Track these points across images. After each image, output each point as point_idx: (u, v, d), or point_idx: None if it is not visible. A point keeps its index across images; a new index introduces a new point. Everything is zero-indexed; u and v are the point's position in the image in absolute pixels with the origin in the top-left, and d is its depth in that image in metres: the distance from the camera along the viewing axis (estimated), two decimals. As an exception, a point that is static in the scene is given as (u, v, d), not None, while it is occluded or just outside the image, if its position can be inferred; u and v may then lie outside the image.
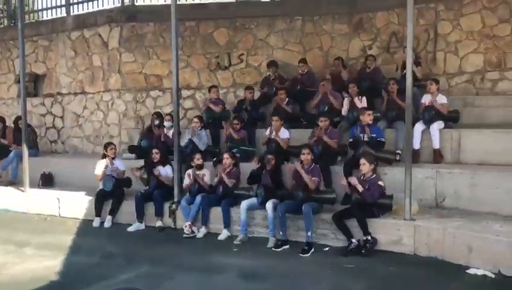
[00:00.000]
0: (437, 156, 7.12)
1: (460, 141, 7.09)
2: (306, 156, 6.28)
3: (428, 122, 7.22)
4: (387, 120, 7.64)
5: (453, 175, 6.41)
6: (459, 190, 6.33)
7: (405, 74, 7.94)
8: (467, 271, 5.06)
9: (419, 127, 7.26)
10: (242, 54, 10.04)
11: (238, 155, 7.48)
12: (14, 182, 9.63)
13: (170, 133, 8.42)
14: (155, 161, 7.66)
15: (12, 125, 10.41)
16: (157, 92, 10.28)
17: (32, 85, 11.72)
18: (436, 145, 7.14)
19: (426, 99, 7.50)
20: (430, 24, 8.98)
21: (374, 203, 5.85)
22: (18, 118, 9.89)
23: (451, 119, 7.38)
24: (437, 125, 7.18)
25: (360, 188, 5.84)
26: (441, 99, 7.39)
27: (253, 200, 6.65)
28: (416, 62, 8.25)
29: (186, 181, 7.38)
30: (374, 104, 8.28)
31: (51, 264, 5.60)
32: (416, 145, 7.22)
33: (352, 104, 7.96)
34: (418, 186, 6.55)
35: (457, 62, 8.75)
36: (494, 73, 8.40)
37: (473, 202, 6.19)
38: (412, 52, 5.76)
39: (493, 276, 4.88)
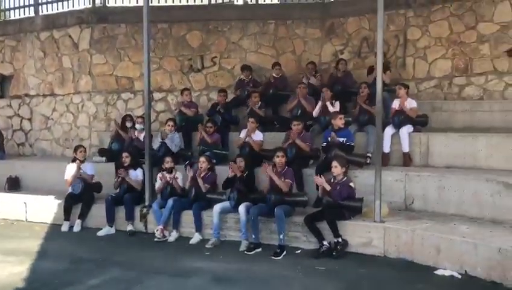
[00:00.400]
0: (406, 160, 7.25)
1: (428, 145, 7.23)
2: (280, 158, 6.31)
3: (397, 126, 7.35)
4: (359, 124, 7.73)
5: (422, 178, 6.53)
6: (427, 192, 6.46)
7: (375, 78, 8.19)
8: (435, 272, 5.17)
9: (389, 131, 7.38)
10: (215, 57, 10.02)
11: (214, 160, 7.43)
12: (-23, 186, 9.36)
13: (142, 136, 8.34)
14: (125, 164, 7.55)
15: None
16: (128, 94, 10.16)
17: (-1, 86, 11.46)
18: (406, 148, 7.27)
19: (396, 103, 7.63)
20: (400, 30, 9.16)
21: (344, 206, 5.91)
22: None
23: (420, 123, 7.53)
24: (406, 129, 7.31)
25: (327, 187, 5.90)
26: (411, 103, 7.52)
27: (226, 203, 6.63)
28: (386, 67, 8.43)
29: (158, 184, 7.32)
30: (346, 108, 8.40)
31: (16, 271, 5.45)
32: (386, 148, 7.34)
33: (324, 108, 8.03)
34: (387, 189, 6.64)
35: (426, 67, 8.94)
36: (461, 78, 8.61)
37: (440, 204, 6.33)
38: (381, 57, 5.85)
39: (460, 276, 5.00)
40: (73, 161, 7.80)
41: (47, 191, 8.49)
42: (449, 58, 8.70)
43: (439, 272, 5.15)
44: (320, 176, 6.32)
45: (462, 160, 6.92)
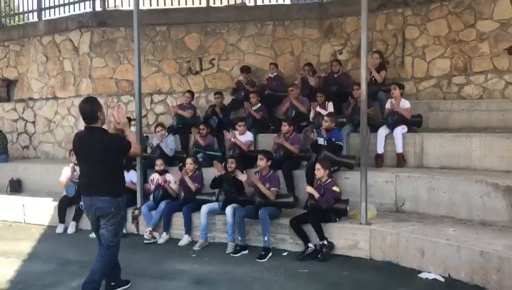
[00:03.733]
0: (400, 161, 7.17)
1: (423, 145, 7.15)
2: (259, 161, 6.31)
3: (391, 127, 7.28)
4: (353, 125, 7.68)
5: (412, 179, 6.45)
6: (417, 194, 6.38)
7: (372, 78, 8.15)
8: (419, 275, 5.11)
9: (383, 131, 7.32)
10: (213, 59, 10.08)
11: (201, 160, 7.48)
12: (-19, 188, 9.58)
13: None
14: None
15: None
16: (128, 96, 10.27)
17: (5, 90, 11.69)
18: (399, 149, 7.19)
19: (390, 104, 7.56)
20: (398, 29, 9.07)
21: (329, 208, 5.87)
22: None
23: (415, 123, 7.45)
24: (400, 130, 7.23)
25: (316, 195, 5.87)
26: (404, 104, 7.44)
27: (215, 204, 6.66)
28: (382, 67, 8.36)
29: (149, 186, 7.39)
30: (341, 108, 8.35)
31: (4, 272, 5.55)
32: (380, 149, 7.29)
33: (319, 114, 7.99)
34: (378, 191, 6.63)
35: (424, 66, 8.83)
36: (460, 77, 8.49)
37: (430, 206, 6.25)
38: (365, 59, 5.77)
39: (443, 280, 4.93)
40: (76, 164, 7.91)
41: (47, 194, 8.65)
42: (448, 57, 8.59)
43: (422, 275, 5.08)
44: (312, 179, 6.31)
45: (457, 161, 6.83)
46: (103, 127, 4.44)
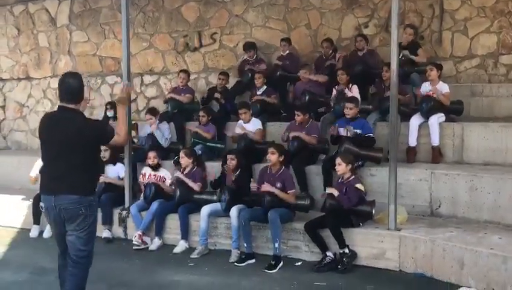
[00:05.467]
0: (436, 155, 7.16)
1: (463, 137, 7.13)
2: (271, 155, 6.32)
3: (426, 115, 7.26)
4: (381, 112, 7.66)
5: (450, 177, 6.45)
6: (456, 194, 6.38)
7: (402, 57, 8.12)
8: (457, 290, 5.12)
9: (415, 120, 7.31)
10: (215, 33, 10.09)
11: (199, 152, 7.52)
12: None
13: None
14: (104, 159, 7.69)
15: None
16: (114, 77, 10.32)
17: (-31, 69, 11.79)
18: (435, 141, 7.18)
19: (425, 87, 7.54)
20: (435, -1, 9.01)
21: (351, 211, 5.88)
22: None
23: (454, 111, 7.43)
24: (436, 118, 7.20)
25: (335, 192, 5.88)
26: (442, 87, 7.42)
27: (217, 205, 6.69)
28: (417, 44, 8.33)
29: (140, 180, 7.47)
30: (366, 93, 8.34)
31: (-31, 282, 5.64)
32: (413, 142, 7.28)
33: (340, 94, 7.99)
34: (410, 191, 6.64)
35: (466, 43, 8.77)
36: (509, 56, 8.43)
37: (472, 209, 6.24)
38: (396, 33, 5.77)
39: (486, 296, 4.94)
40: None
41: (19, 191, 8.75)
42: (494, 32, 8.52)
43: (462, 290, 5.10)
44: (328, 176, 6.34)
45: (503, 156, 6.82)
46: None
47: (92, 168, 4.32)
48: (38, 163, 7.95)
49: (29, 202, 8.04)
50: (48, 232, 7.60)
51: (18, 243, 7.40)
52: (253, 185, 6.45)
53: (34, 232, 7.67)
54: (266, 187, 6.19)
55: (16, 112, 11.12)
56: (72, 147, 4.05)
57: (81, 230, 4.13)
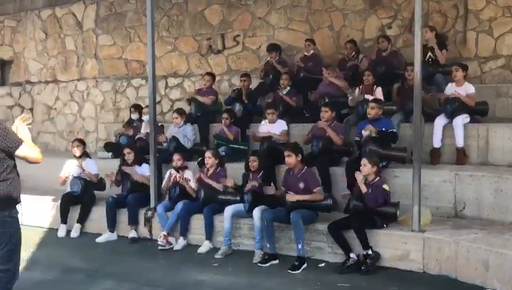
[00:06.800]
0: (461, 156, 7.10)
1: (488, 138, 7.07)
2: (288, 159, 6.34)
3: (450, 116, 7.21)
4: (405, 113, 7.63)
5: (475, 178, 6.39)
6: (481, 196, 6.32)
7: (428, 58, 8.08)
8: (482, 293, 5.08)
9: (440, 121, 7.26)
10: (238, 36, 10.15)
11: (223, 154, 7.59)
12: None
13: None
14: (129, 161, 7.80)
15: (-26, 119, 10.70)
16: (139, 80, 10.45)
17: (-1, 72, 12.08)
18: (460, 143, 7.12)
19: (450, 88, 7.49)
20: (459, -2, 8.93)
21: (375, 212, 5.88)
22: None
23: (479, 112, 7.36)
24: (461, 120, 7.15)
25: (363, 189, 5.89)
26: (468, 88, 7.36)
27: (240, 206, 6.73)
28: (442, 44, 8.27)
29: (165, 181, 7.54)
30: (390, 93, 8.31)
31: (0, 280, 5.76)
32: (437, 143, 7.24)
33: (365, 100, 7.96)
34: (434, 192, 6.60)
35: (491, 44, 8.67)
36: (535, 57, 8.33)
37: (497, 211, 6.18)
38: (420, 34, 5.76)
39: (512, 298, 4.89)
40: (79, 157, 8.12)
41: (46, 191, 8.89)
42: (520, 32, 8.42)
43: (486, 292, 5.06)
44: (352, 178, 6.32)
45: (529, 157, 6.73)
46: None
47: (8, 180, 3.80)
48: (67, 164, 8.15)
49: (57, 203, 8.17)
50: (75, 232, 7.76)
51: (46, 243, 7.53)
52: (269, 189, 6.46)
53: (61, 232, 7.81)
54: (290, 198, 6.19)
55: (43, 114, 11.33)
56: None
57: None
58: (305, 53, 9.31)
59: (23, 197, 8.58)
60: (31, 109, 11.51)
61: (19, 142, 3.72)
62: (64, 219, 7.88)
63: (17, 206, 3.95)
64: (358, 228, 5.79)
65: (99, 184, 8.15)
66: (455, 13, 8.96)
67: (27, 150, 3.77)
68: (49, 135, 11.33)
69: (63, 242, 7.56)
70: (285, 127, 7.88)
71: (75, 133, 10.78)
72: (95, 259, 6.64)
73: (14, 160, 3.85)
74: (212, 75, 9.49)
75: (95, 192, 8.11)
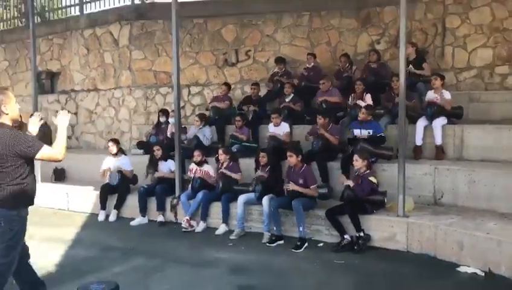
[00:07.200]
0: (439, 153, 7.05)
1: (463, 137, 7.01)
2: (290, 158, 6.33)
3: (430, 118, 7.16)
4: (391, 116, 7.58)
5: (452, 172, 6.35)
6: (457, 186, 6.28)
7: (408, 69, 8.00)
8: (458, 269, 5.04)
9: (421, 123, 7.22)
10: (249, 50, 10.14)
11: (234, 150, 7.61)
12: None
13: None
14: (158, 157, 7.84)
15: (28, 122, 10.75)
16: (166, 88, 10.47)
17: (49, 82, 12.09)
18: (438, 141, 7.07)
19: (430, 95, 7.43)
20: (438, 18, 8.87)
21: (366, 200, 5.86)
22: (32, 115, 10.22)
23: (455, 115, 7.29)
24: (440, 121, 7.10)
25: (351, 183, 5.87)
26: (445, 95, 7.30)
27: (251, 195, 6.73)
28: (422, 58, 8.22)
29: (188, 174, 7.56)
30: (379, 99, 8.26)
31: (50, 257, 5.80)
32: (419, 141, 7.20)
33: (357, 106, 7.93)
34: (416, 183, 6.55)
35: (465, 57, 8.62)
36: (503, 67, 8.26)
37: (470, 199, 6.13)
38: (404, 49, 5.71)
39: (483, 274, 4.84)
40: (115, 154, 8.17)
41: (89, 182, 8.94)
42: (490, 46, 8.36)
43: (461, 269, 5.01)
44: (346, 171, 6.31)
45: (498, 153, 6.67)
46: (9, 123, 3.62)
47: (19, 182, 3.56)
48: (106, 160, 8.20)
49: (97, 192, 8.21)
50: (113, 216, 7.80)
51: (88, 225, 7.59)
52: (286, 185, 6.42)
53: (101, 216, 7.85)
54: (291, 187, 6.18)
55: (86, 117, 11.38)
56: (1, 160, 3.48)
57: (0, 242, 3.54)
58: (307, 65, 9.28)
59: (70, 187, 8.77)
60: (76, 113, 11.56)
61: (38, 147, 3.50)
62: (103, 206, 7.92)
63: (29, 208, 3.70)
64: (351, 214, 5.77)
65: (133, 179, 8.19)
66: (434, 31, 8.92)
67: (46, 152, 3.54)
68: (90, 135, 11.38)
69: (103, 225, 7.60)
70: (288, 129, 7.86)
71: (112, 133, 10.82)
72: (129, 239, 6.67)
73: (33, 163, 3.64)
74: (228, 85, 9.50)
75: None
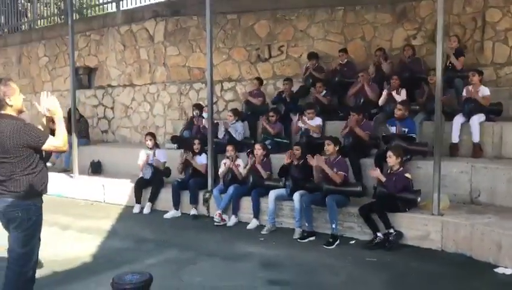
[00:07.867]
0: (476, 150, 6.86)
1: (502, 135, 6.80)
2: (327, 146, 6.29)
3: (468, 115, 6.97)
4: (427, 112, 7.42)
5: (489, 170, 6.17)
6: (495, 185, 6.10)
7: (448, 64, 7.82)
8: (495, 270, 4.90)
9: (458, 119, 7.05)
10: (282, 46, 10.07)
11: (269, 147, 7.60)
12: (67, 169, 10.23)
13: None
14: (196, 151, 7.93)
15: (66, 116, 11.05)
16: (200, 84, 10.56)
17: (86, 77, 12.39)
18: (476, 138, 6.88)
19: (467, 91, 7.23)
20: (477, 12, 8.58)
21: (398, 197, 5.75)
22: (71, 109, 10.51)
23: (493, 112, 7.08)
24: (477, 118, 6.91)
25: (382, 178, 5.78)
26: (483, 91, 7.09)
27: (282, 190, 6.73)
28: (460, 53, 8.00)
29: (221, 169, 7.61)
30: (414, 95, 8.09)
31: (86, 247, 5.97)
32: (455, 138, 7.03)
33: (390, 96, 7.82)
34: (452, 181, 6.41)
35: (506, 51, 8.32)
36: (546, 62, 7.92)
37: (509, 199, 5.95)
38: (441, 44, 5.57)
39: (521, 276, 4.70)
40: (151, 148, 8.31)
41: (124, 175, 9.14)
42: (533, 40, 8.03)
43: (499, 270, 4.88)
44: (377, 168, 6.22)
45: (539, 151, 6.42)
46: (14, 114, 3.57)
47: (31, 172, 3.54)
48: (142, 153, 8.35)
49: (132, 185, 8.37)
50: (147, 209, 7.94)
51: (124, 217, 7.73)
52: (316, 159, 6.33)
53: (136, 209, 7.98)
54: (315, 161, 6.15)
55: (122, 112, 11.61)
56: (7, 150, 3.45)
57: (20, 231, 3.53)
58: (340, 61, 9.17)
59: (106, 180, 8.97)
60: (112, 108, 11.81)
61: (45, 137, 3.51)
62: (138, 199, 8.06)
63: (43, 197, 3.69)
64: (379, 210, 5.69)
65: (166, 171, 8.31)
66: (473, 25, 8.63)
67: (52, 142, 3.53)
68: (126, 129, 11.60)
69: (137, 217, 7.74)
70: (320, 123, 7.85)
71: (147, 128, 11.00)
72: (162, 232, 6.79)
73: (42, 153, 3.64)
74: (260, 80, 9.50)
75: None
